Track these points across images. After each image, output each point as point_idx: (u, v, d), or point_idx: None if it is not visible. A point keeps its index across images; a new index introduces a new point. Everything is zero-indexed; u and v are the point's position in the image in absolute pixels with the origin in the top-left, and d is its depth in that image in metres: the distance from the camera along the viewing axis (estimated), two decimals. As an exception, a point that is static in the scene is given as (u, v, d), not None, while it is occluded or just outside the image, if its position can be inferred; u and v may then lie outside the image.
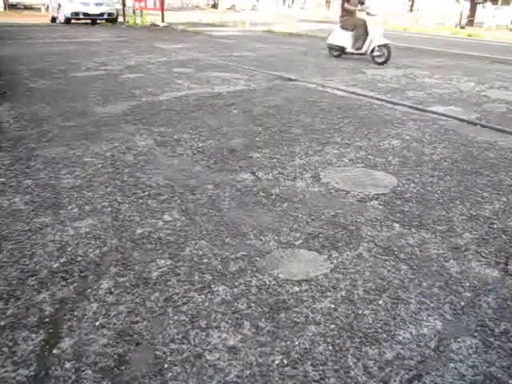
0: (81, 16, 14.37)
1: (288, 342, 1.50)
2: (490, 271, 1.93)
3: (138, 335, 1.50)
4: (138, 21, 15.32)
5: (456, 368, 1.41)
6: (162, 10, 15.10)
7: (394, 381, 1.36)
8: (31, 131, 3.54)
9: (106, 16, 14.88)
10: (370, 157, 3.22)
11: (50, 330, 1.51)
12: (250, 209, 2.40)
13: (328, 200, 2.51)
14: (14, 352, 1.41)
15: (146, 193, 2.55)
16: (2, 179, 2.66)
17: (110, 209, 2.35)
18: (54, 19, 15.27)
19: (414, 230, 2.25)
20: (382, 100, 5.04)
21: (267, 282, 1.80)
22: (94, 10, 14.46)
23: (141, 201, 2.45)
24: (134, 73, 6.22)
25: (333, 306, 1.68)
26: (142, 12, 15.44)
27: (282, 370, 1.38)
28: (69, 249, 1.98)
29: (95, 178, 2.72)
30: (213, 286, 1.77)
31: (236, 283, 1.78)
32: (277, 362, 1.42)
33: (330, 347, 1.48)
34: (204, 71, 6.54)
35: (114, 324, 1.55)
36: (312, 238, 2.11)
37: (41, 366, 1.37)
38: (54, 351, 1.42)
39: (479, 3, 22.40)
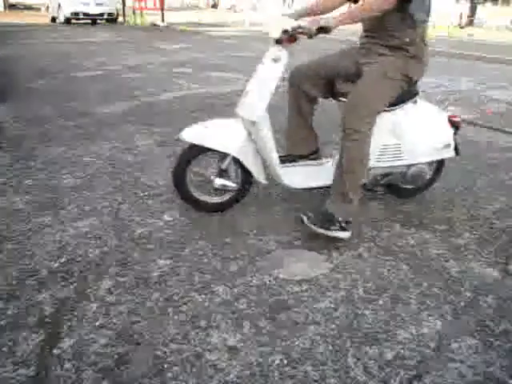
0: (81, 16, 14.36)
1: (288, 342, 1.50)
2: (490, 271, 1.93)
3: (138, 335, 1.50)
4: (138, 21, 15.34)
5: (456, 368, 1.41)
6: (162, 9, 15.12)
7: (394, 381, 1.36)
8: (31, 131, 3.54)
9: (106, 16, 14.88)
10: (369, 157, 3.21)
11: (50, 330, 1.51)
12: (250, 209, 2.40)
13: (328, 200, 2.51)
14: (14, 352, 1.41)
15: (146, 193, 2.55)
16: (2, 179, 2.66)
17: (109, 209, 2.35)
18: (53, 19, 15.26)
19: (413, 230, 2.25)
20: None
21: (267, 282, 1.80)
22: (94, 10, 14.46)
23: (141, 201, 2.45)
24: (134, 73, 6.22)
25: (333, 305, 1.68)
26: (142, 12, 15.45)
27: (282, 370, 1.38)
28: (69, 249, 1.98)
29: (95, 178, 2.72)
30: (213, 286, 1.77)
31: (236, 283, 1.79)
32: (277, 361, 1.42)
33: (330, 347, 1.48)
34: (204, 71, 6.54)
35: (114, 324, 1.55)
36: (312, 237, 2.11)
37: (41, 366, 1.37)
38: (54, 351, 1.42)
39: (479, 3, 22.40)
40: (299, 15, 2.11)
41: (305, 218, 2.03)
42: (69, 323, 1.54)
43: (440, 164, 2.50)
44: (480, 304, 1.72)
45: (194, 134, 2.12)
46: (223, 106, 4.38)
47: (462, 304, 1.72)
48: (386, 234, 2.21)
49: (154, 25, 14.95)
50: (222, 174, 2.19)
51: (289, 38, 1.93)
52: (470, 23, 20.08)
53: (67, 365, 1.38)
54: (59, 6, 14.49)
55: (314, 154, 2.43)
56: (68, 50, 8.28)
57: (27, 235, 2.07)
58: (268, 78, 2.04)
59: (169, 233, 2.14)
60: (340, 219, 2.02)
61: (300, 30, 1.87)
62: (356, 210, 2.10)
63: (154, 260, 1.92)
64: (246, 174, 2.21)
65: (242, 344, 1.48)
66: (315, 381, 1.35)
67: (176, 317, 1.59)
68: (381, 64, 2.02)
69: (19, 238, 2.04)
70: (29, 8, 23.59)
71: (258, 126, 2.04)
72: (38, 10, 21.54)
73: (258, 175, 2.20)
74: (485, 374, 1.40)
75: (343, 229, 2.03)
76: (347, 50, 2.29)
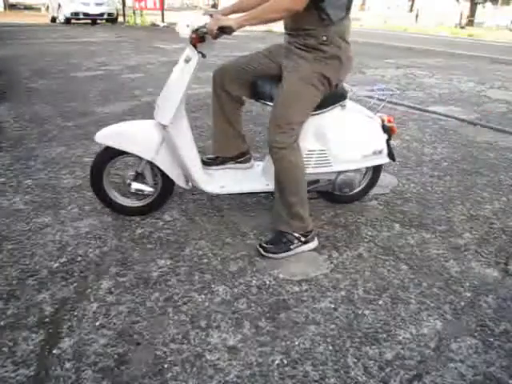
0: (81, 16, 14.33)
1: (288, 342, 1.50)
2: (490, 271, 1.93)
3: (138, 335, 1.50)
4: (138, 21, 15.31)
5: (456, 368, 1.41)
6: (162, 9, 15.09)
7: (394, 381, 1.36)
8: (31, 131, 3.54)
9: (106, 16, 14.84)
10: (369, 157, 3.21)
11: (50, 330, 1.51)
12: (250, 209, 2.40)
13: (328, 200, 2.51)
14: (14, 352, 1.41)
15: (146, 193, 2.54)
16: (2, 179, 2.66)
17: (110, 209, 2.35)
18: (53, 19, 15.24)
19: (413, 230, 2.25)
20: (381, 100, 5.03)
21: (267, 282, 1.80)
22: (94, 10, 14.43)
23: (141, 201, 2.45)
24: (134, 73, 6.22)
25: (333, 305, 1.68)
26: (142, 12, 15.43)
27: (282, 370, 1.39)
28: (69, 249, 1.98)
29: (95, 178, 2.71)
30: (213, 285, 1.77)
31: (236, 283, 1.79)
32: (277, 361, 1.42)
33: (330, 347, 1.48)
34: (204, 71, 6.51)
35: (114, 324, 1.55)
36: (312, 237, 2.11)
37: (41, 366, 1.37)
38: (54, 351, 1.42)
39: (479, 3, 22.41)
40: (223, 13, 1.99)
41: (262, 251, 1.96)
42: (69, 323, 1.54)
43: (375, 171, 2.37)
44: (480, 304, 1.72)
45: (108, 136, 2.03)
46: (223, 106, 4.38)
47: (462, 304, 1.72)
48: (386, 234, 2.21)
49: (154, 25, 14.93)
50: (139, 177, 2.13)
51: (197, 37, 1.85)
52: (470, 23, 20.08)
53: (67, 365, 1.38)
54: (59, 6, 14.46)
55: (242, 157, 2.32)
56: (68, 50, 8.28)
57: (27, 235, 2.07)
58: (179, 79, 1.97)
59: (169, 233, 2.14)
60: (296, 235, 1.96)
61: (204, 30, 1.78)
62: (310, 222, 2.01)
63: (153, 260, 1.92)
64: (166, 178, 2.12)
65: (242, 344, 1.48)
66: (315, 381, 1.35)
67: (176, 317, 1.59)
68: (299, 71, 1.87)
69: (19, 238, 2.04)
70: (29, 8, 23.56)
71: (170, 130, 1.96)
72: (38, 10, 21.51)
73: (178, 179, 2.12)
74: (485, 374, 1.40)
75: (303, 242, 1.98)
76: (273, 49, 2.14)
